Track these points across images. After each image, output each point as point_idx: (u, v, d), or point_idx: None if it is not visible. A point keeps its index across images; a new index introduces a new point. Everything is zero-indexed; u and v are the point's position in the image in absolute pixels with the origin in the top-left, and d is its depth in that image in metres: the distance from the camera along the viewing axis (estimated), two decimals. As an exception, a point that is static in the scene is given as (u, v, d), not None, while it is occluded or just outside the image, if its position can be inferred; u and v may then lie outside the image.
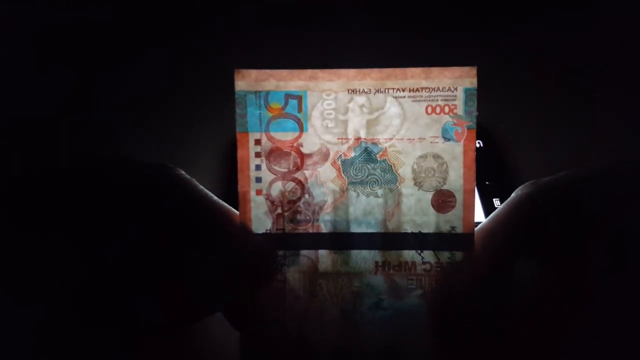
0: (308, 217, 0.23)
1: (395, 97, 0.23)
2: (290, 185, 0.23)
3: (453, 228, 0.23)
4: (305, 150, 0.23)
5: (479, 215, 0.37)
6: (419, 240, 0.23)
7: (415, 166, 0.23)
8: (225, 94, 0.22)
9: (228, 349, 0.23)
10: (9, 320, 0.20)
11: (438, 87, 0.22)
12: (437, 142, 0.23)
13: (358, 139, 0.23)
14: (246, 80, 0.23)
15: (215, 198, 0.23)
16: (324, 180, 0.23)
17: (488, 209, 0.36)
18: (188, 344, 0.23)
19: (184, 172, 0.23)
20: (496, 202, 0.36)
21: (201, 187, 0.23)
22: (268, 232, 0.23)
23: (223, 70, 0.22)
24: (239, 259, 0.23)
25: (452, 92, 0.22)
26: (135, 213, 0.21)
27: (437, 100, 0.22)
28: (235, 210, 0.23)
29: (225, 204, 0.23)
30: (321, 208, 0.23)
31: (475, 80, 0.22)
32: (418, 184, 0.23)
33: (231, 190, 0.23)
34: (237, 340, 0.23)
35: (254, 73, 0.23)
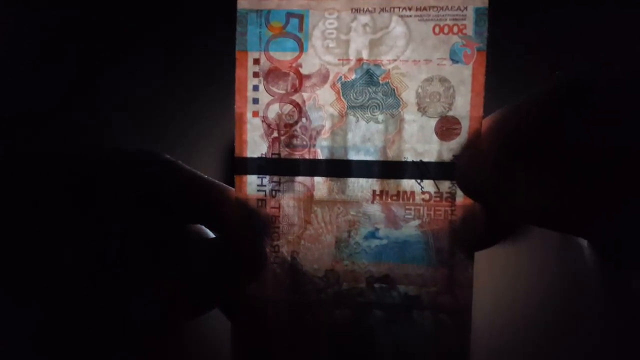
0: (305, 142, 0.23)
1: (401, 16, 0.21)
2: (288, 107, 0.22)
3: (456, 157, 0.21)
4: (304, 71, 0.22)
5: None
6: (419, 169, 0.22)
7: (419, 90, 0.22)
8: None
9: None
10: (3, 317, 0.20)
11: (447, 6, 0.21)
12: (444, 65, 0.21)
13: (360, 60, 0.22)
14: None
15: (206, 176, 0.23)
16: (322, 104, 0.22)
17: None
18: (181, 338, 0.23)
19: (169, 156, 0.22)
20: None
21: (189, 167, 0.22)
22: (263, 156, 0.23)
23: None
24: (236, 237, 0.23)
25: (462, 11, 0.21)
26: (124, 202, 0.21)
27: (446, 19, 0.21)
28: (230, 187, 0.23)
29: (218, 182, 0.23)
30: (318, 133, 0.22)
31: (486, 0, 0.21)
32: (422, 109, 0.22)
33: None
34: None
35: None
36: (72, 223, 0.20)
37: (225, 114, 0.23)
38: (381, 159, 0.22)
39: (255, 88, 0.22)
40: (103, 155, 0.22)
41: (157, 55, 0.33)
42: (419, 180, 0.22)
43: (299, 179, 0.23)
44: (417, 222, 0.22)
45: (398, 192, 0.22)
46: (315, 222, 0.23)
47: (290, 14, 0.22)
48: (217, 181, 0.23)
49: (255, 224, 0.23)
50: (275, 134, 0.23)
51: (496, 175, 0.19)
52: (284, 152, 0.23)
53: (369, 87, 0.22)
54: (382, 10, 0.21)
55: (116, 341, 0.20)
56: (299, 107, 0.22)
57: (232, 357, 0.23)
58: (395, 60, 0.22)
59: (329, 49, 0.22)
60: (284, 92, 0.22)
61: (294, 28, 0.22)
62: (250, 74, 0.22)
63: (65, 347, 0.20)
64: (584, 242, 0.22)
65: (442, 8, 0.21)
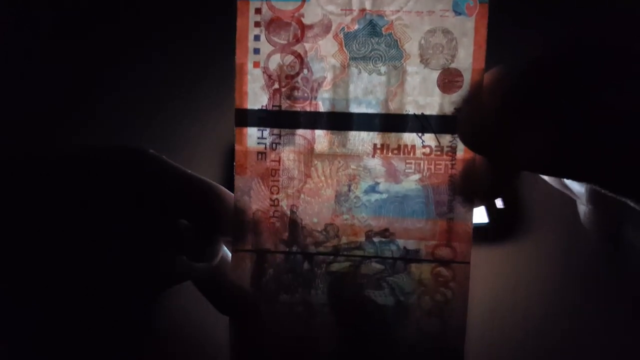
0: (306, 94, 0.22)
1: None
2: (289, 58, 0.22)
3: (457, 110, 0.21)
4: (306, 21, 0.22)
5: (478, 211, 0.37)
6: (420, 123, 0.22)
7: (422, 42, 0.21)
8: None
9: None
10: None
11: None
12: (447, 16, 0.21)
13: (363, 10, 0.22)
14: None
15: (189, 171, 0.23)
16: (324, 55, 0.22)
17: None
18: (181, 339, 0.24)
19: (154, 151, 0.23)
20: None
21: (174, 162, 0.23)
22: (264, 108, 0.22)
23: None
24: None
25: None
26: (112, 196, 0.21)
27: None
28: (226, 190, 0.23)
29: (202, 177, 0.23)
30: (320, 85, 0.22)
31: None
32: (424, 61, 0.21)
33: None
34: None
35: None
36: (65, 221, 0.21)
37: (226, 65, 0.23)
38: (383, 111, 0.22)
39: (257, 38, 0.22)
40: (88, 154, 0.22)
41: (156, 11, 0.32)
42: (420, 134, 0.22)
43: (300, 131, 0.22)
44: (417, 176, 0.22)
45: (399, 145, 0.22)
46: (315, 176, 0.23)
47: None
48: (200, 176, 0.23)
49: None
50: (276, 86, 0.22)
51: (497, 127, 0.19)
52: (285, 104, 0.22)
53: (372, 38, 0.22)
54: None
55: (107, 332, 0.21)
56: (300, 58, 0.22)
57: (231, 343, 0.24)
58: (398, 11, 0.21)
59: None
60: (285, 42, 0.22)
61: None
62: (251, 23, 0.22)
63: (63, 344, 0.20)
64: (582, 199, 0.23)
65: None
